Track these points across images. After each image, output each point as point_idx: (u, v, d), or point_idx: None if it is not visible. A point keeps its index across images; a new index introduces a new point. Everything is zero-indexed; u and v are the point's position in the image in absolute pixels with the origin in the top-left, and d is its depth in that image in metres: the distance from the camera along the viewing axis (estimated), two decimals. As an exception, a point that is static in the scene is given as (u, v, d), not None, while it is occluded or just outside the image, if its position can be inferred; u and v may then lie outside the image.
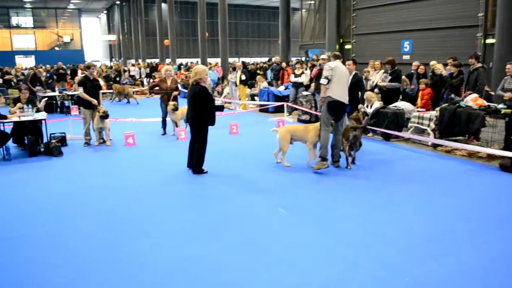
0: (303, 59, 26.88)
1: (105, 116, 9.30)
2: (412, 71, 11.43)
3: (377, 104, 9.98)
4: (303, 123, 11.49)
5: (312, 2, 24.63)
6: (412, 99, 10.73)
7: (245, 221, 5.14)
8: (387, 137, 9.66)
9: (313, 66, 14.66)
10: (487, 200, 5.78)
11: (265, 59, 40.79)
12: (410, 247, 4.32)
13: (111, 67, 25.77)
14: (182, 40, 53.01)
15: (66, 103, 15.79)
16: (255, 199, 5.89)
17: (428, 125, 9.10)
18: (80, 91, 9.35)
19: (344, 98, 7.34)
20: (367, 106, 10.03)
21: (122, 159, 8.41)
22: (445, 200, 5.74)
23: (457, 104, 8.61)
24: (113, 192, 6.31)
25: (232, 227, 4.96)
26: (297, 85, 13.46)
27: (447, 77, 9.85)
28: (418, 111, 9.71)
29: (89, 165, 8.05)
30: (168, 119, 10.66)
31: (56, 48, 56.99)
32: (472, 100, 8.44)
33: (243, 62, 21.50)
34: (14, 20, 56.19)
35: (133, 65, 27.99)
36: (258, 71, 21.18)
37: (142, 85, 23.08)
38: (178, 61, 37.18)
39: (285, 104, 13.27)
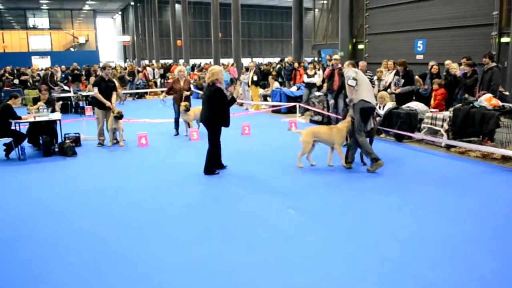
0: (316, 59, 26.80)
1: (119, 116, 9.39)
2: (427, 71, 11.32)
3: (390, 104, 9.91)
4: (315, 124, 11.47)
5: (325, 1, 24.53)
6: (425, 100, 10.62)
7: (255, 222, 5.15)
8: (399, 138, 9.59)
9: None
10: (501, 202, 5.71)
11: (278, 59, 40.71)
12: (422, 250, 4.29)
13: (125, 68, 25.97)
14: (195, 40, 53.22)
15: (81, 103, 15.97)
16: (266, 200, 5.91)
17: (442, 126, 9.00)
18: (95, 91, 9.46)
19: (374, 101, 7.41)
20: (379, 107, 9.97)
21: (135, 160, 8.49)
22: (459, 202, 5.68)
23: (471, 105, 8.51)
24: (125, 192, 6.38)
25: (243, 228, 4.98)
26: (310, 86, 13.44)
27: (461, 77, 9.74)
28: (431, 111, 9.62)
29: (102, 165, 8.14)
30: (180, 120, 10.72)
31: (72, 49, 57.67)
32: (486, 100, 8.33)
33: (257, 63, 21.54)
34: (31, 21, 57.04)
35: (149, 65, 28.17)
36: (272, 72, 21.15)
37: (156, 85, 23.23)
38: (192, 61, 37.37)
39: (297, 104, 13.25)
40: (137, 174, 7.42)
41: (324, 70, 14.49)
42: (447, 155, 8.44)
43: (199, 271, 3.96)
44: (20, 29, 55.15)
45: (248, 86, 15.62)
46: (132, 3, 53.98)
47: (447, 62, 10.83)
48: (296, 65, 17.55)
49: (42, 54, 51.64)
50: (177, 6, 41.80)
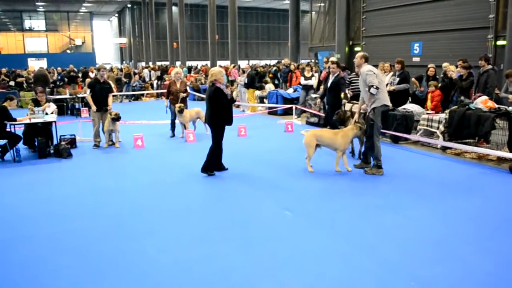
0: (313, 61, 26.83)
1: (117, 118, 9.38)
2: (423, 74, 11.35)
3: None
4: (312, 125, 11.48)
5: (322, 4, 24.57)
6: (421, 101, 10.64)
7: (251, 223, 5.14)
8: (395, 140, 9.60)
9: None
10: (497, 203, 5.73)
11: (275, 61, 40.79)
12: (418, 251, 4.28)
13: (121, 70, 25.94)
14: (192, 42, 53.26)
15: (77, 105, 15.93)
16: (262, 202, 5.90)
17: (438, 128, 9.02)
18: (87, 94, 9.43)
19: (389, 101, 7.30)
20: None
21: (131, 161, 8.46)
22: (454, 203, 5.69)
23: (467, 107, 8.54)
24: (121, 194, 6.35)
25: (239, 229, 4.97)
26: (307, 88, 13.44)
27: (456, 80, 9.77)
28: (427, 113, 9.64)
29: (98, 167, 8.11)
30: (177, 121, 10.70)
31: (68, 51, 57.60)
32: (482, 103, 8.36)
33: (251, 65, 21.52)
34: (27, 24, 57.01)
35: (146, 67, 28.11)
36: (268, 74, 21.14)
37: (152, 87, 23.20)
38: (188, 63, 37.36)
39: (293, 106, 13.26)
40: (133, 175, 7.39)
41: (320, 72, 14.48)
42: (443, 156, 8.46)
43: (194, 273, 3.94)
44: (16, 31, 55.10)
45: (245, 88, 15.62)
46: (129, 6, 54.01)
47: (444, 64, 10.86)
48: (292, 67, 17.53)
49: (38, 56, 51.48)
50: (174, 8, 41.84)
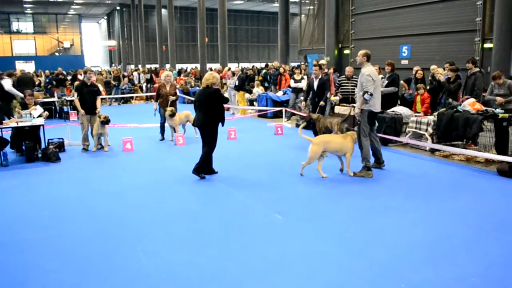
0: (302, 64, 26.90)
1: (106, 121, 9.31)
2: (411, 76, 11.44)
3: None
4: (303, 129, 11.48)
5: (311, 7, 24.67)
6: (410, 104, 10.72)
7: (241, 227, 5.12)
8: (385, 142, 9.64)
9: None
10: (485, 205, 5.77)
11: (263, 64, 40.84)
12: (408, 253, 4.30)
13: (110, 73, 25.78)
14: (182, 45, 53.19)
15: (65, 108, 15.79)
16: (252, 205, 5.88)
17: (426, 130, 9.09)
18: (74, 97, 9.34)
19: (380, 106, 7.49)
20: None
21: (120, 165, 8.40)
22: (442, 205, 5.73)
23: (455, 109, 8.61)
24: (110, 197, 6.30)
25: (229, 232, 4.95)
26: (296, 91, 13.47)
27: (444, 82, 9.86)
28: (416, 116, 9.71)
29: (87, 171, 8.04)
30: (166, 124, 10.65)
31: (56, 54, 57.17)
32: (469, 105, 8.43)
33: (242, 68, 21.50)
34: (15, 26, 56.48)
35: (136, 70, 27.96)
36: (257, 77, 21.17)
37: (141, 90, 23.09)
38: (178, 66, 37.26)
39: (283, 109, 13.28)
40: (122, 179, 7.34)
41: (309, 75, 14.53)
42: (431, 158, 8.52)
43: (184, 276, 3.92)
44: (3, 34, 54.48)
45: (236, 91, 15.63)
46: (118, 8, 53.74)
47: (432, 67, 10.94)
48: (281, 70, 17.57)
49: (26, 58, 51.06)
50: (163, 11, 41.73)
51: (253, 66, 30.91)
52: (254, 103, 15.68)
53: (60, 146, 9.44)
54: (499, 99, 8.23)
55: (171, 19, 38.24)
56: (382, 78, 10.97)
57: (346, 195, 6.28)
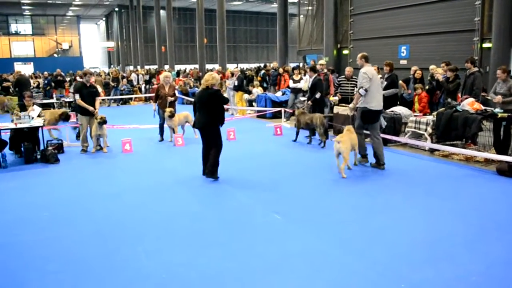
0: (301, 64, 26.92)
1: (103, 122, 9.27)
2: (410, 76, 11.44)
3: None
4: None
5: (310, 8, 24.69)
6: (409, 104, 10.73)
7: (241, 227, 5.11)
8: (384, 142, 9.58)
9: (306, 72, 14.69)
10: (484, 204, 5.77)
11: (257, 65, 40.84)
12: (407, 253, 4.29)
13: (108, 74, 25.76)
14: (180, 46, 53.17)
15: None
16: (251, 205, 5.87)
17: (425, 130, 9.09)
18: (77, 98, 9.32)
19: (381, 105, 7.69)
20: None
21: (119, 166, 8.38)
22: (443, 205, 5.72)
23: (454, 109, 8.62)
24: (109, 199, 6.29)
25: (228, 233, 4.94)
26: (295, 91, 13.46)
27: (443, 82, 9.86)
28: (415, 115, 9.71)
29: (86, 172, 8.02)
30: (165, 125, 10.64)
31: (55, 55, 57.13)
32: (468, 105, 8.43)
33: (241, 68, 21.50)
34: (13, 27, 56.40)
35: (135, 71, 27.93)
36: (256, 77, 21.17)
37: (140, 91, 23.08)
38: (177, 67, 37.24)
39: (282, 110, 13.27)
40: (121, 180, 7.33)
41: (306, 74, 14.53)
42: (431, 158, 8.52)
43: (183, 277, 3.91)
44: (2, 35, 54.43)
45: (235, 91, 15.63)
46: (116, 9, 53.72)
47: (432, 67, 10.94)
48: (281, 70, 17.57)
49: (25, 60, 51.09)
50: (162, 12, 41.70)
51: (259, 67, 30.78)
52: (253, 103, 15.67)
53: (59, 148, 9.42)
54: (497, 98, 8.21)
55: (170, 20, 38.23)
56: (381, 78, 10.97)
57: (346, 194, 6.28)
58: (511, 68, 10.90)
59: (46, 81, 20.29)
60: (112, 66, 56.50)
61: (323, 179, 7.11)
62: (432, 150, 8.83)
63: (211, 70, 26.38)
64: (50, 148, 8.90)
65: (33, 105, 9.66)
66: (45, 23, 58.58)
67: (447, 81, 9.78)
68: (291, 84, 13.62)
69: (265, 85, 18.80)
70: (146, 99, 21.15)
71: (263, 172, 7.59)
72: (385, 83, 10.52)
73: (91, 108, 9.23)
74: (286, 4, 26.19)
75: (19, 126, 8.70)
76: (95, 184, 7.10)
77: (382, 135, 9.36)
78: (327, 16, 20.18)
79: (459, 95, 9.66)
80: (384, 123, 8.30)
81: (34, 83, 22.11)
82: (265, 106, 14.52)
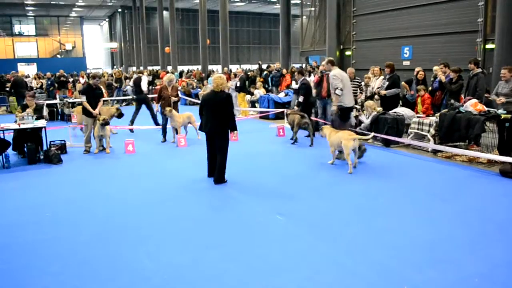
0: (304, 65, 26.91)
1: (105, 123, 9.30)
2: (413, 77, 11.41)
3: (374, 113, 9.98)
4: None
5: (313, 9, 24.69)
6: (412, 105, 10.71)
7: (243, 228, 5.11)
8: (387, 143, 9.63)
9: (310, 72, 14.73)
10: (487, 206, 5.75)
11: (265, 66, 40.80)
12: (409, 254, 4.28)
13: (111, 75, 25.78)
14: (183, 47, 53.23)
15: (67, 110, 15.79)
16: (253, 206, 5.87)
17: (428, 131, 9.07)
18: (83, 100, 9.35)
19: (352, 102, 8.75)
20: (366, 116, 10.07)
21: (122, 167, 8.40)
22: (445, 206, 5.71)
23: (457, 110, 8.59)
24: (112, 199, 6.29)
25: (230, 234, 4.94)
26: (298, 92, 13.43)
27: (446, 83, 9.83)
28: (418, 116, 9.69)
29: (88, 172, 8.04)
30: (168, 126, 10.65)
31: (58, 56, 57.24)
32: (472, 106, 8.41)
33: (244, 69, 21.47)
34: (17, 28, 56.59)
35: (139, 72, 27.91)
36: (258, 78, 21.17)
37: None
38: (180, 68, 37.28)
39: (285, 110, 13.26)
40: (124, 181, 7.34)
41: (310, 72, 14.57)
42: (434, 159, 8.50)
43: (185, 278, 3.91)
44: (5, 36, 54.61)
45: (238, 92, 15.63)
46: (120, 10, 53.87)
47: (435, 68, 10.91)
48: (284, 71, 17.57)
49: (28, 61, 51.18)
50: (165, 13, 41.78)
51: (268, 66, 30.62)
52: (256, 104, 15.68)
53: (62, 148, 9.44)
54: (500, 98, 8.17)
55: (173, 21, 38.28)
56: (383, 79, 10.96)
57: (346, 195, 6.27)
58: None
59: (49, 82, 20.32)
60: (115, 67, 56.61)
61: (325, 180, 7.10)
62: (435, 151, 8.81)
63: (214, 71, 26.39)
64: (53, 148, 8.92)
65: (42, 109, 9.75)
66: (49, 24, 58.76)
67: (450, 82, 9.76)
68: (294, 85, 13.62)
69: (266, 86, 18.80)
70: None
71: (265, 173, 7.58)
72: (387, 83, 10.52)
73: (94, 112, 9.31)
74: (289, 5, 26.19)
75: (22, 126, 8.72)
76: (97, 185, 7.11)
77: (385, 136, 9.37)
78: (329, 17, 20.16)
79: (462, 96, 9.64)
80: (354, 120, 9.50)
81: (37, 84, 22.18)
82: (268, 107, 14.51)
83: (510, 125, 7.84)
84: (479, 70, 9.37)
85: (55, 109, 15.63)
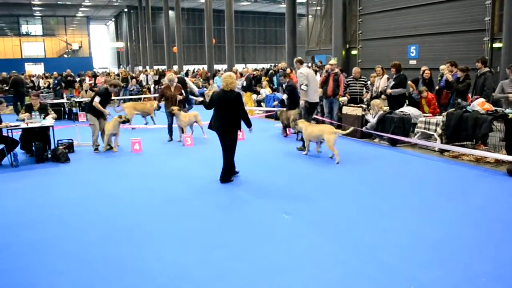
0: (311, 65, 26.87)
1: (125, 121, 9.80)
2: (419, 76, 11.37)
3: (381, 112, 9.96)
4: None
5: (318, 8, 24.65)
6: (418, 104, 10.66)
7: (248, 227, 5.12)
8: (393, 143, 9.61)
9: (316, 71, 14.73)
10: (495, 205, 5.73)
11: (272, 65, 40.78)
12: (416, 254, 4.28)
13: (118, 75, 25.88)
14: (189, 46, 53.30)
15: (74, 109, 15.90)
16: (260, 205, 5.88)
17: (435, 130, 9.04)
18: (96, 101, 9.39)
19: (317, 98, 9.81)
20: (372, 116, 10.04)
21: (129, 166, 8.43)
22: (452, 206, 5.69)
23: (464, 109, 8.55)
24: (118, 198, 6.33)
25: (236, 233, 4.95)
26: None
27: (453, 82, 9.79)
28: (424, 116, 9.65)
29: (96, 171, 8.09)
30: (174, 125, 10.69)
31: (65, 56, 57.52)
32: (479, 105, 8.37)
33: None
34: (24, 28, 56.92)
35: (145, 72, 28.01)
36: (263, 77, 21.16)
37: (149, 91, 23.17)
38: (185, 67, 37.33)
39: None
40: (131, 180, 7.37)
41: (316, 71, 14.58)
42: (440, 159, 8.47)
43: (191, 277, 3.93)
44: (13, 36, 54.99)
45: (244, 91, 15.66)
46: (126, 10, 54.03)
47: (442, 67, 10.86)
48: (288, 70, 17.55)
49: (35, 60, 51.38)
50: (171, 12, 41.84)
51: (267, 68, 30.67)
52: (262, 103, 15.68)
53: (70, 147, 9.50)
54: (511, 96, 8.12)
55: (179, 20, 38.32)
56: (389, 79, 10.93)
57: (353, 194, 6.27)
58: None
59: (56, 81, 20.43)
60: (121, 66, 56.81)
61: (331, 179, 7.10)
62: (441, 151, 8.77)
63: (220, 71, 26.42)
64: (60, 147, 8.98)
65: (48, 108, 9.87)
66: (55, 24, 59.06)
67: (457, 81, 9.72)
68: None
69: (271, 85, 18.79)
70: (155, 99, 21.20)
71: (271, 172, 7.59)
72: (393, 82, 10.48)
73: (106, 112, 9.63)
74: (295, 4, 26.17)
75: (30, 125, 8.79)
76: (104, 184, 7.15)
77: (391, 136, 9.34)
78: (335, 16, 20.13)
79: (469, 95, 9.59)
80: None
81: (44, 83, 22.32)
82: (274, 107, 14.50)
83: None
84: (487, 69, 9.31)
85: (62, 109, 15.70)
